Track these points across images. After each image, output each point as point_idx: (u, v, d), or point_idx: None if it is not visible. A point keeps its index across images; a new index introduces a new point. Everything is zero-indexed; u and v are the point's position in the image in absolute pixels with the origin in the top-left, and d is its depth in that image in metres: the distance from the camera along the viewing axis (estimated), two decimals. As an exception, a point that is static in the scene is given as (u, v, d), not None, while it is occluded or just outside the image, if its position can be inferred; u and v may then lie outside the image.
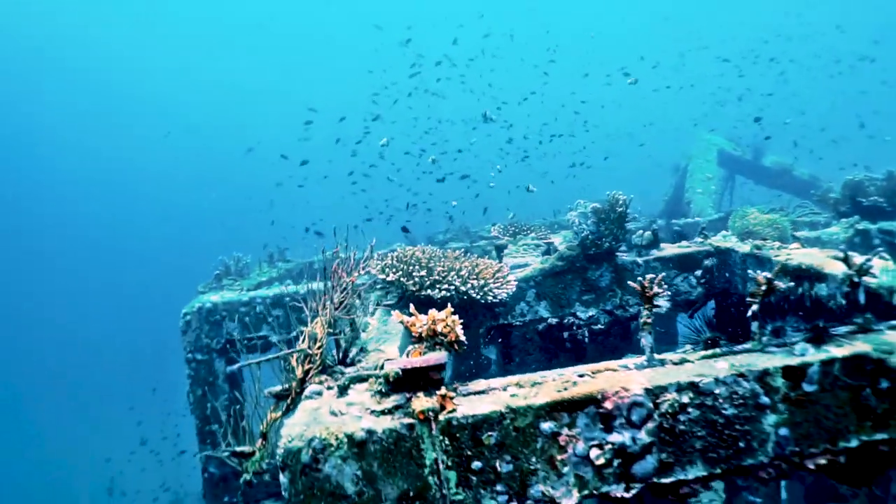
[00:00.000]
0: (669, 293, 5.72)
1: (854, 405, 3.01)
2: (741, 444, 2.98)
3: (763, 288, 3.05)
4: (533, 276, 6.36)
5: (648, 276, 3.21)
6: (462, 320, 5.69)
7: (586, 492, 2.98)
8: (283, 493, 3.11)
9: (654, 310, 3.15)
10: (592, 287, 6.32)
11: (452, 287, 5.14)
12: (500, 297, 5.35)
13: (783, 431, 2.98)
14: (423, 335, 3.23)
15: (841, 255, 3.48)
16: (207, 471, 8.65)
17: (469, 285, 5.16)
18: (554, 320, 6.95)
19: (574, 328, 7.17)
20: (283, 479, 3.09)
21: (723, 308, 6.14)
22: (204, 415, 8.07)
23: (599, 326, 6.98)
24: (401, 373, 3.07)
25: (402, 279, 5.15)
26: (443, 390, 3.02)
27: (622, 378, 3.00)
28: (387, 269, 5.25)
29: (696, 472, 2.98)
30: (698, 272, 6.26)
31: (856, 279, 3.16)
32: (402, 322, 3.34)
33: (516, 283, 5.87)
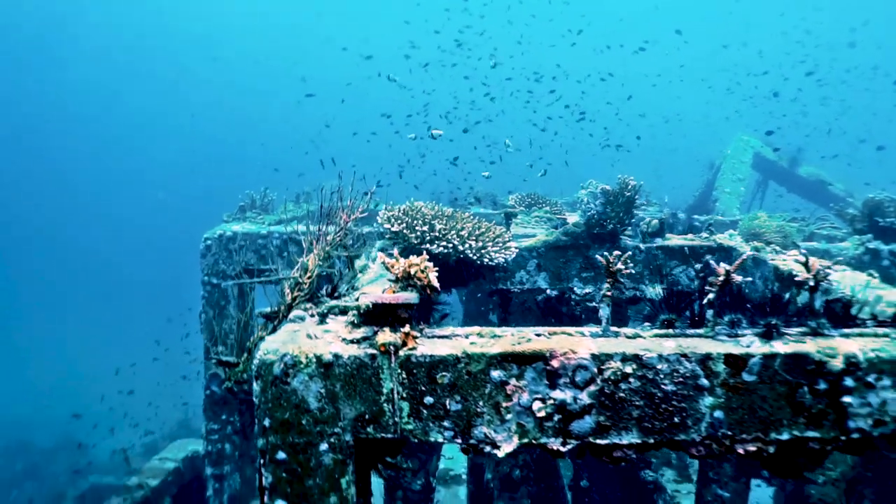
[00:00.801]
0: (663, 286, 5.88)
1: (790, 401, 3.18)
2: (676, 420, 3.18)
3: (721, 278, 3.22)
4: (536, 246, 6.56)
5: (616, 253, 3.41)
6: (458, 278, 5.96)
7: (526, 440, 3.22)
8: (254, 399, 3.41)
9: (616, 285, 3.34)
10: (592, 265, 6.50)
11: (451, 245, 5.35)
12: (496, 261, 5.55)
13: (718, 414, 3.17)
14: (399, 277, 3.47)
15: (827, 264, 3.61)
16: (210, 388, 9.10)
17: (467, 245, 5.37)
18: (554, 293, 7.15)
19: (573, 303, 7.36)
20: (255, 387, 3.39)
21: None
22: (212, 335, 8.47)
23: (594, 304, 7.16)
24: (371, 306, 3.32)
25: (404, 231, 5.38)
26: (407, 328, 3.27)
27: (573, 342, 3.22)
28: (392, 220, 5.48)
29: (630, 438, 3.20)
30: (698, 266, 6.38)
31: (811, 283, 3.30)
32: (383, 263, 3.58)
33: (517, 250, 6.07)
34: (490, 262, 5.56)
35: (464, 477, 10.28)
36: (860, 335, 3.34)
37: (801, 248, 6.27)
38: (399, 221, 5.48)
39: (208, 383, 8.70)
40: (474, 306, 8.85)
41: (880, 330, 3.38)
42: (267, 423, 3.35)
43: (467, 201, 11.27)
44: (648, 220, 6.62)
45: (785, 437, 3.22)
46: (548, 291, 7.05)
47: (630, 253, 4.93)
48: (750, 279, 3.50)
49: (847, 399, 3.16)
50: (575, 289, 6.82)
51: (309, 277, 3.91)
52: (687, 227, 8.63)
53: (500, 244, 5.74)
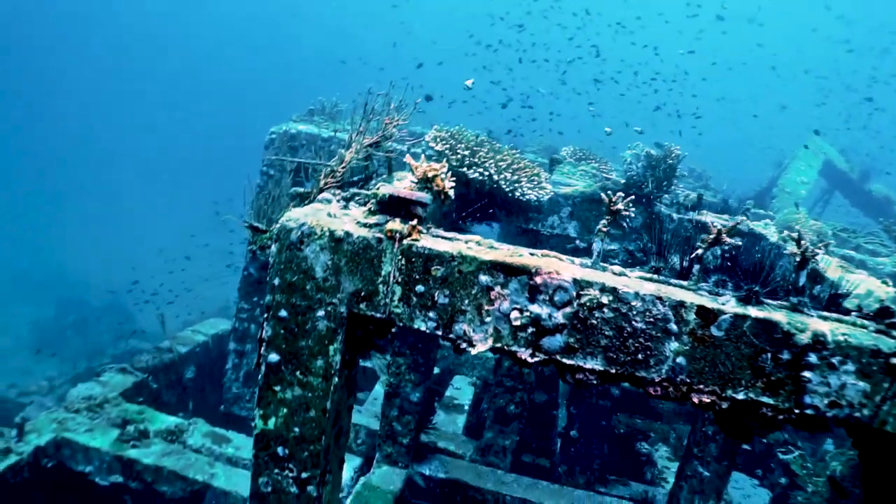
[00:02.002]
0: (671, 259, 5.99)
1: (752, 364, 3.36)
2: (640, 356, 3.41)
3: (712, 237, 3.39)
4: (573, 195, 6.74)
5: (619, 194, 3.60)
6: (490, 209, 6.20)
7: (499, 344, 3.50)
8: (270, 259, 3.78)
9: (612, 224, 3.55)
10: (621, 225, 6.65)
11: (487, 173, 5.59)
12: (528, 197, 5.77)
13: (680, 360, 3.38)
14: (419, 179, 3.74)
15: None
16: (248, 270, 9.66)
17: (502, 176, 5.59)
18: (583, 245, 7.34)
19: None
20: (273, 248, 3.74)
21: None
22: (258, 218, 8.95)
23: (616, 262, 7.33)
24: (387, 197, 3.61)
25: (446, 151, 5.62)
26: (415, 222, 3.55)
27: (560, 265, 3.45)
28: (437, 140, 5.73)
29: (594, 364, 3.45)
30: (726, 245, 6.46)
31: (798, 259, 3.44)
32: (408, 163, 3.85)
33: (553, 193, 6.27)
34: (521, 197, 5.78)
35: (465, 407, 10.69)
36: (837, 320, 3.48)
37: (832, 250, 6.28)
38: (444, 142, 5.72)
39: (247, 265, 9.24)
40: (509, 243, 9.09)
41: (859, 320, 3.51)
42: (276, 282, 3.71)
43: (528, 149, 11.42)
44: (687, 194, 6.70)
45: (741, 396, 3.41)
46: (577, 242, 7.25)
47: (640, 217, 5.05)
48: (740, 243, 3.63)
49: (807, 374, 3.32)
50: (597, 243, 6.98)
51: (343, 167, 4.21)
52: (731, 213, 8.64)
53: (535, 182, 5.95)
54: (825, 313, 3.53)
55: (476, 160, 5.59)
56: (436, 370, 12.11)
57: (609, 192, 6.79)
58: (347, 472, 8.70)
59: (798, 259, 3.43)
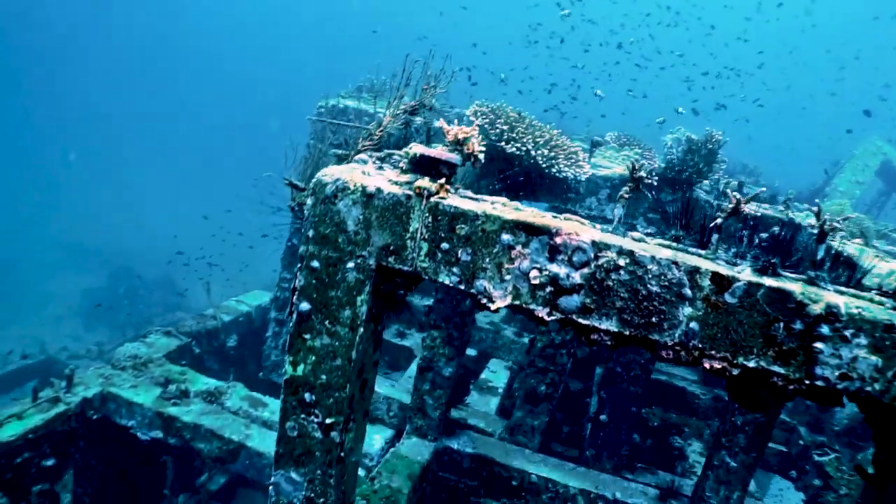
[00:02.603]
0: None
1: (764, 332, 3.42)
2: (654, 319, 3.50)
3: (731, 206, 3.46)
4: (612, 177, 6.80)
5: (642, 162, 3.69)
6: (528, 186, 6.32)
7: (517, 302, 3.63)
8: (305, 211, 3.98)
9: (634, 191, 3.64)
10: (660, 209, 6.69)
11: (524, 149, 5.71)
12: (564, 174, 5.87)
13: (693, 325, 3.47)
14: (450, 141, 3.89)
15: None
16: (291, 241, 9.96)
17: (539, 152, 5.71)
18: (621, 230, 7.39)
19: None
20: (308, 202, 3.94)
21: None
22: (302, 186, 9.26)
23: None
24: (418, 156, 3.78)
25: (485, 125, 5.76)
26: (443, 181, 3.71)
27: (581, 227, 3.56)
28: (478, 114, 5.87)
29: (609, 325, 3.55)
30: (764, 234, 6.46)
31: (816, 232, 3.48)
32: (441, 127, 4.00)
33: (591, 173, 6.35)
34: (558, 174, 5.88)
35: (500, 390, 10.83)
36: (854, 296, 3.51)
37: (874, 244, 6.23)
38: (483, 116, 5.86)
39: (290, 236, 9.53)
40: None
41: (877, 297, 3.53)
42: (311, 233, 3.91)
43: (575, 136, 11.45)
44: (728, 180, 6.70)
45: (752, 364, 3.47)
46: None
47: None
48: (760, 213, 3.68)
49: (819, 345, 3.37)
50: (638, 227, 7.04)
51: (380, 131, 4.39)
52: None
53: (573, 161, 6.04)
54: (842, 288, 3.56)
55: (514, 135, 5.72)
56: (472, 352, 12.29)
57: (635, 162, 6.85)
58: (379, 443, 8.94)
59: (817, 232, 3.47)
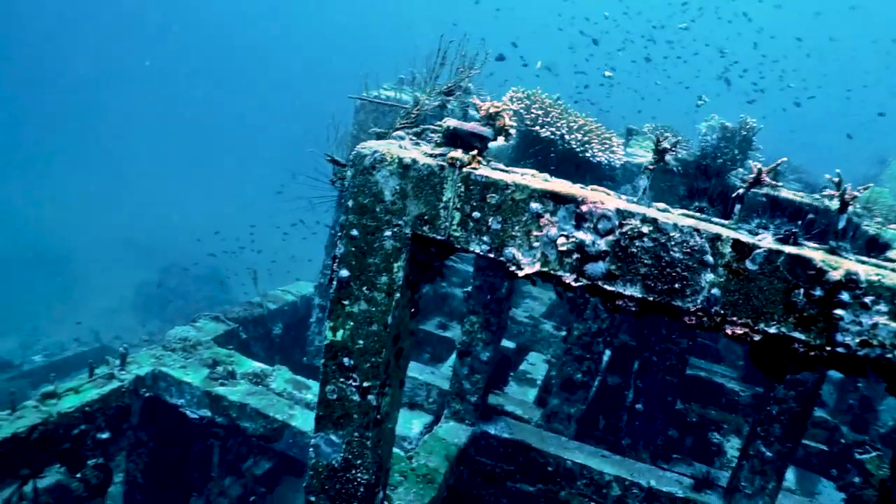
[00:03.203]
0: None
1: (785, 299, 3.52)
2: (677, 286, 3.63)
3: (752, 176, 3.58)
4: (646, 165, 6.89)
5: (667, 135, 3.82)
6: (562, 170, 6.45)
7: (546, 269, 3.80)
8: (345, 182, 4.21)
9: (658, 164, 3.78)
10: (695, 195, 6.77)
11: (559, 133, 5.86)
12: (597, 159, 6.01)
13: (715, 291, 3.59)
14: (482, 116, 4.09)
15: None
16: (333, 228, 10.25)
17: (573, 136, 5.86)
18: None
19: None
20: (348, 174, 4.18)
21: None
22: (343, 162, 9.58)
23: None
24: (451, 129, 3.98)
25: (521, 111, 5.94)
26: (475, 153, 3.90)
27: (606, 197, 3.72)
28: (513, 100, 6.05)
29: (633, 291, 3.69)
30: (798, 222, 6.48)
31: (838, 203, 3.57)
32: (474, 104, 4.19)
33: (626, 159, 6.47)
34: (591, 158, 6.02)
35: (538, 382, 10.96)
36: (875, 265, 3.59)
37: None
38: (519, 102, 6.04)
39: (333, 224, 9.82)
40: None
41: (901, 268, 3.60)
42: (350, 203, 4.14)
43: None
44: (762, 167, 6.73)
45: (773, 330, 3.57)
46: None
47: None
48: (781, 184, 3.78)
49: (839, 312, 3.45)
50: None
51: (417, 110, 4.61)
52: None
53: (607, 146, 6.17)
54: (863, 258, 3.64)
55: (549, 119, 5.88)
56: (511, 345, 12.45)
57: (681, 161, 6.93)
58: (418, 427, 9.17)
59: (838, 203, 3.56)
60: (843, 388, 12.06)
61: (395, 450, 7.47)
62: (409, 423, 8.86)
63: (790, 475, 10.27)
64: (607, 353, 11.26)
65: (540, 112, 5.89)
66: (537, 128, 5.86)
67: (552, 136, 5.84)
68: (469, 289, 8.05)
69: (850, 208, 5.83)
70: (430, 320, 13.41)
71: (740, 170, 6.76)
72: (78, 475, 8.45)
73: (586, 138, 5.95)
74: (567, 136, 5.85)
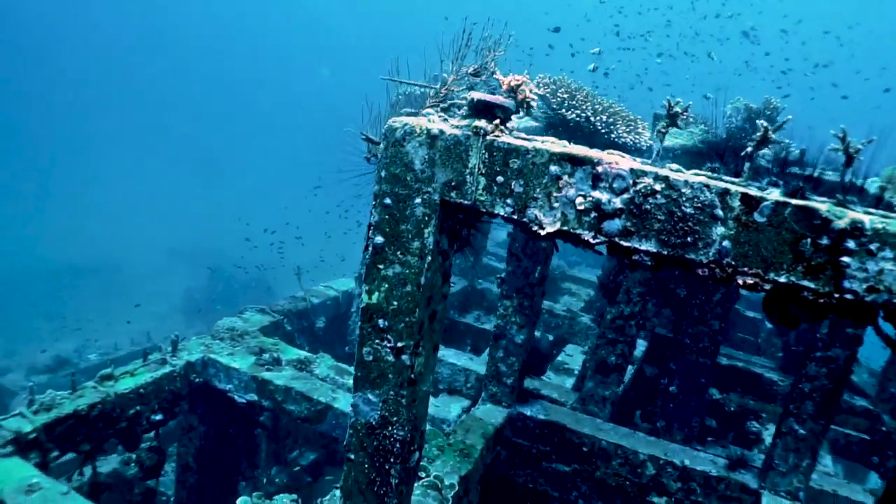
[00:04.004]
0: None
1: (793, 248, 3.72)
2: (689, 239, 3.85)
3: (760, 134, 3.79)
4: (673, 147, 7.09)
5: (678, 99, 4.05)
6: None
7: (566, 227, 4.05)
8: (378, 154, 4.54)
9: (671, 127, 4.01)
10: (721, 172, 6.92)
11: (584, 115, 6.11)
12: (623, 140, 6.23)
13: (726, 244, 3.80)
14: (505, 89, 4.37)
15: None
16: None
17: (598, 118, 6.10)
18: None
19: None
20: (381, 146, 4.50)
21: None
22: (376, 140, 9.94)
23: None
24: (475, 101, 4.27)
25: (547, 95, 6.21)
26: (497, 122, 4.19)
27: (620, 158, 3.96)
28: (540, 84, 6.32)
29: (648, 246, 3.92)
30: (774, 145, 6.59)
31: (843, 157, 3.75)
32: (498, 79, 4.48)
33: (651, 142, 6.66)
34: (617, 140, 6.25)
35: (575, 371, 11.14)
36: (881, 216, 3.76)
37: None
38: (546, 87, 6.31)
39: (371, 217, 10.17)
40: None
41: (906, 218, 3.76)
42: (383, 174, 4.46)
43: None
44: (790, 148, 6.87)
45: (782, 279, 3.76)
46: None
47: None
48: (788, 141, 3.98)
49: (846, 259, 3.63)
50: (699, 195, 7.27)
51: (445, 89, 4.92)
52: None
53: (632, 128, 6.39)
54: (870, 209, 3.81)
55: (574, 103, 6.13)
56: (550, 337, 12.65)
57: (707, 143, 7.10)
58: (456, 411, 9.43)
59: (844, 156, 3.75)
60: (884, 377, 11.95)
61: (434, 429, 7.77)
62: (448, 407, 9.14)
63: (830, 462, 10.24)
64: (644, 343, 11.40)
65: (566, 96, 6.14)
66: (563, 111, 6.12)
67: (578, 119, 6.08)
68: (503, 274, 8.30)
69: (875, 189, 5.95)
70: (470, 313, 13.72)
71: (766, 151, 6.89)
72: (133, 456, 8.95)
73: (611, 120, 6.18)
74: (592, 119, 6.09)
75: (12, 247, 30.56)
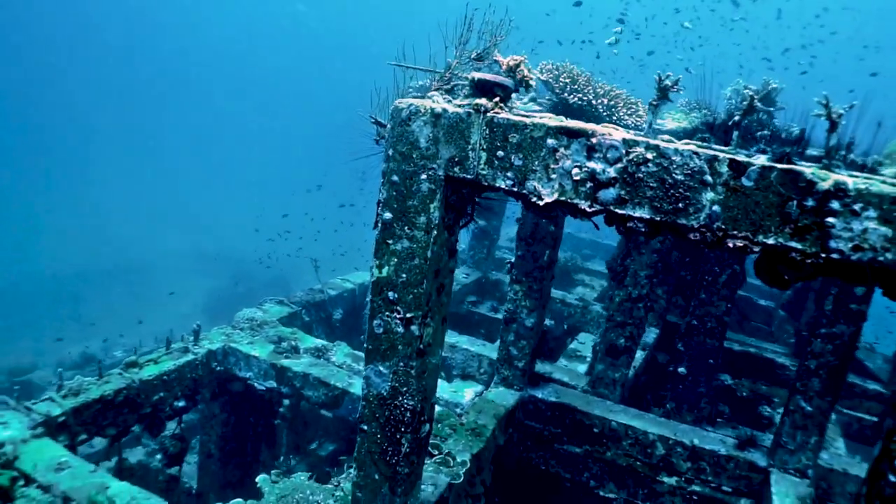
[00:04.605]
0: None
1: (780, 211, 3.89)
2: (680, 205, 4.04)
3: (745, 103, 3.97)
4: (675, 131, 7.25)
5: (668, 73, 4.24)
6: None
7: (563, 198, 4.26)
8: (385, 133, 4.77)
9: (661, 100, 4.20)
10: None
11: (586, 99, 6.31)
12: (624, 122, 6.41)
13: (716, 208, 3.98)
14: (504, 69, 4.59)
15: None
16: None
17: (599, 101, 6.29)
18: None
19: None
20: (389, 125, 4.73)
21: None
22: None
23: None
24: (476, 80, 4.49)
25: (550, 80, 6.41)
26: (497, 100, 4.40)
27: (613, 129, 4.16)
28: (543, 70, 6.52)
29: (642, 213, 4.12)
30: (760, 114, 6.75)
31: (823, 115, 3.92)
32: (496, 60, 4.69)
33: (651, 125, 6.83)
34: (618, 122, 6.43)
35: (587, 358, 11.30)
36: (865, 178, 3.92)
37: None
38: (549, 72, 6.51)
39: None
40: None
41: (889, 179, 3.92)
42: (391, 152, 4.69)
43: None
44: (790, 129, 7.01)
45: (771, 241, 3.94)
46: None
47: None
48: (772, 109, 4.15)
49: (831, 220, 3.80)
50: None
51: (448, 73, 5.13)
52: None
53: (633, 110, 6.57)
54: (854, 173, 3.97)
55: (576, 87, 6.33)
56: (564, 326, 12.82)
57: (708, 125, 7.26)
58: (469, 396, 9.63)
59: (827, 121, 3.92)
60: (896, 361, 12.01)
61: (447, 410, 7.98)
62: (462, 392, 9.33)
63: (842, 445, 10.31)
64: (655, 331, 11.54)
65: (568, 80, 6.34)
66: (566, 95, 6.32)
67: (580, 103, 6.28)
68: (513, 259, 8.51)
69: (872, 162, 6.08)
70: (484, 304, 13.96)
71: (766, 132, 7.05)
72: (157, 443, 9.24)
73: (612, 103, 6.37)
74: (594, 102, 6.28)
75: (39, 251, 31.34)
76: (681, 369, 9.26)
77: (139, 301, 25.30)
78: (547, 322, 13.01)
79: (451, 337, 10.81)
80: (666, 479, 8.31)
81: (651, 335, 11.45)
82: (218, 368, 9.54)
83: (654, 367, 11.41)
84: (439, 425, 7.59)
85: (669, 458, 8.25)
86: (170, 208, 42.33)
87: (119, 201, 42.08)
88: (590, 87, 6.34)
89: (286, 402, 10.86)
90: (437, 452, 7.05)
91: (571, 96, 6.29)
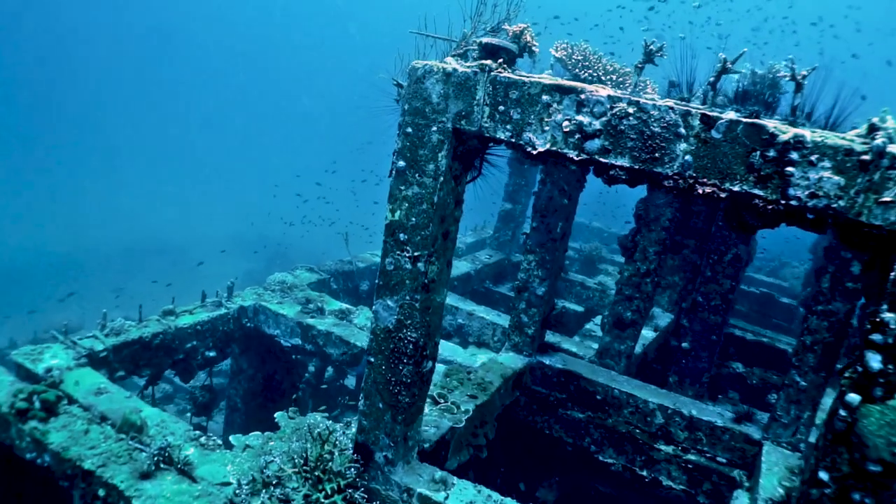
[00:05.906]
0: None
1: (744, 160, 4.35)
2: (657, 155, 4.53)
3: (719, 66, 4.44)
4: (637, 64, 7.70)
5: (654, 39, 4.73)
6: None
7: (554, 148, 4.78)
8: (403, 90, 5.34)
9: (647, 63, 4.69)
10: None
11: (596, 75, 6.80)
12: (630, 97, 6.88)
13: (688, 158, 4.46)
14: (510, 36, 5.12)
15: None
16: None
17: (608, 77, 6.77)
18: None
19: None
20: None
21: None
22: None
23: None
24: (483, 44, 5.04)
25: (563, 57, 6.91)
26: (501, 61, 4.94)
27: (601, 87, 4.67)
28: (558, 48, 7.03)
29: (622, 161, 4.62)
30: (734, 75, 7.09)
31: (794, 83, 4.37)
32: (504, 29, 5.23)
33: (634, 78, 7.28)
34: (624, 97, 6.89)
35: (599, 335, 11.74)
36: (822, 133, 4.36)
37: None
38: (563, 50, 7.01)
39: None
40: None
41: (848, 136, 4.36)
42: (406, 107, 5.26)
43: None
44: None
45: (736, 188, 4.40)
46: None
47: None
48: (744, 71, 4.60)
49: (790, 169, 4.25)
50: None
51: (464, 42, 5.68)
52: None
53: (640, 88, 7.02)
54: (816, 130, 4.41)
55: (587, 63, 6.82)
56: (580, 309, 13.26)
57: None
58: (481, 359, 10.15)
59: (793, 83, 4.37)
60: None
61: (457, 366, 8.51)
62: (475, 357, 9.85)
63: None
64: (670, 316, 11.92)
65: (580, 58, 6.83)
66: (578, 71, 6.81)
67: (591, 79, 6.76)
68: (527, 230, 9.01)
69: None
70: (505, 284, 14.47)
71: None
72: (188, 390, 9.94)
73: (621, 80, 6.84)
74: (604, 78, 6.76)
75: (87, 228, 32.84)
76: (684, 344, 9.64)
77: (179, 277, 26.33)
78: (569, 305, 13.48)
79: (469, 305, 11.36)
80: (663, 448, 8.71)
81: (665, 319, 11.82)
82: (248, 325, 10.21)
83: (666, 351, 11.80)
84: (448, 378, 8.14)
85: (668, 427, 8.66)
86: (210, 196, 43.94)
87: (164, 189, 43.91)
88: (600, 65, 6.82)
89: (311, 367, 11.53)
90: (442, 401, 7.59)
91: (583, 72, 6.78)
